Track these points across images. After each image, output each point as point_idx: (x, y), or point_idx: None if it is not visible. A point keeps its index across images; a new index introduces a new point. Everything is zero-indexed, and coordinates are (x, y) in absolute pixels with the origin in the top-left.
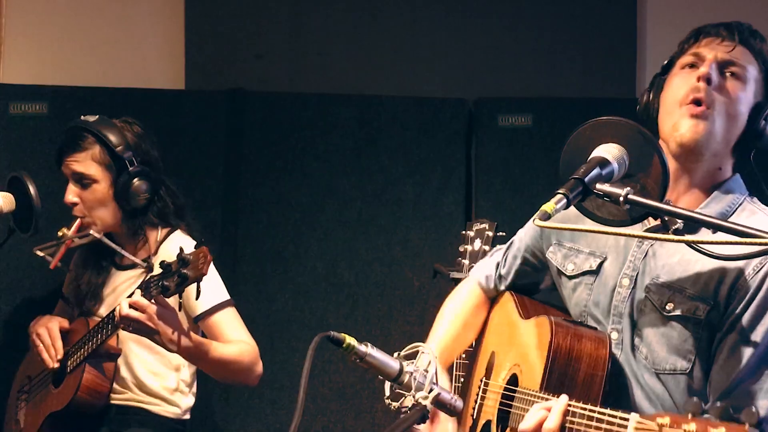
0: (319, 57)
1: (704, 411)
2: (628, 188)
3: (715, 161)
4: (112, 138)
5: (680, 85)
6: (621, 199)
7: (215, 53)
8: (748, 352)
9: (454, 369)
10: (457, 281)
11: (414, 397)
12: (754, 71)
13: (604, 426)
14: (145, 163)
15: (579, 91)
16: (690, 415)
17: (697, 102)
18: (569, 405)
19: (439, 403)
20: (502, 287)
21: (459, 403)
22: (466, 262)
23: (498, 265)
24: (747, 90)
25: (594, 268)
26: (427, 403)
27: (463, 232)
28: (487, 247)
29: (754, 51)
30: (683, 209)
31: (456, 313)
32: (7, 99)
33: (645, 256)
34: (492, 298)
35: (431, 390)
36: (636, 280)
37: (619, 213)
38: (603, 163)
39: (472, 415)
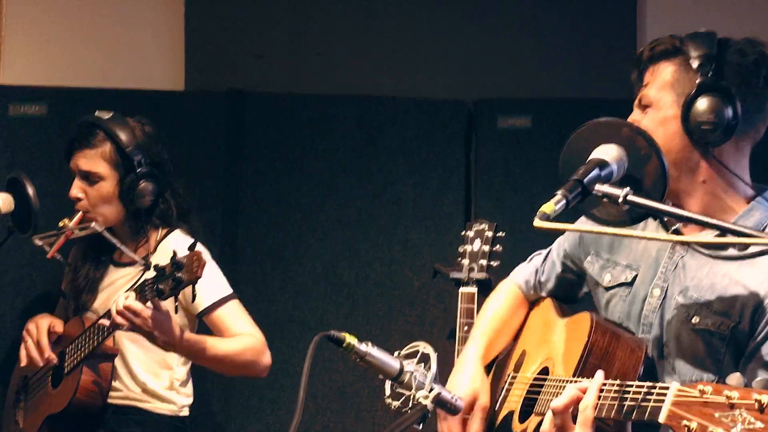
0: (319, 57)
1: (747, 386)
2: (627, 189)
3: (689, 180)
4: (123, 137)
5: None
6: (620, 199)
7: (215, 53)
8: None
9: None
10: (458, 281)
11: (414, 396)
12: (666, 79)
13: (641, 396)
14: (154, 165)
15: (579, 92)
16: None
17: None
18: (604, 383)
19: (440, 403)
20: (543, 293)
21: (460, 403)
22: (466, 262)
23: (537, 271)
24: (663, 110)
25: (629, 280)
26: (427, 402)
27: (463, 232)
28: (486, 248)
29: (667, 53)
30: (682, 210)
31: (496, 312)
32: (7, 100)
33: (675, 267)
34: (531, 302)
35: (432, 389)
36: (666, 291)
37: (619, 214)
38: (602, 164)
39: (494, 408)
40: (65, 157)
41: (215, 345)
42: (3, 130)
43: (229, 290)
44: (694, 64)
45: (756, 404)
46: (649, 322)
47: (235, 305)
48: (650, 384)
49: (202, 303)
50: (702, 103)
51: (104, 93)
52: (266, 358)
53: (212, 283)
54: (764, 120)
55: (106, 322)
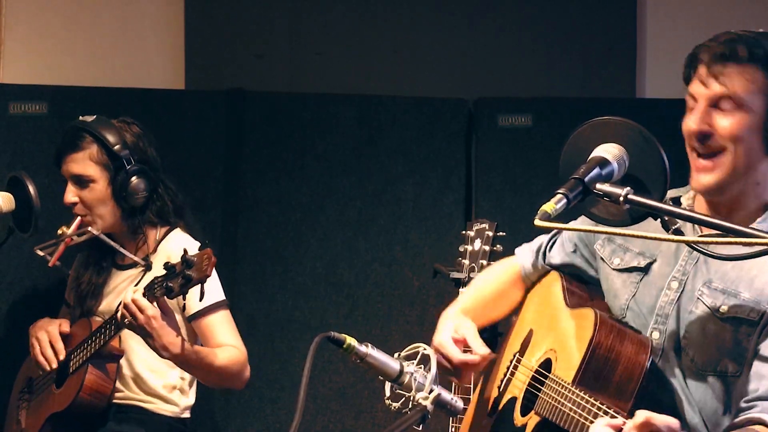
0: (319, 57)
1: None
2: (628, 188)
3: (747, 180)
4: (109, 137)
5: (684, 127)
6: (621, 198)
7: (215, 53)
8: None
9: None
10: (457, 281)
11: (414, 397)
12: (756, 84)
13: None
14: (142, 162)
15: (579, 91)
16: None
17: (701, 154)
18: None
19: (440, 404)
20: (545, 269)
21: (459, 404)
22: (466, 262)
23: (543, 246)
24: (751, 111)
25: (642, 266)
26: (427, 403)
27: (463, 232)
28: (487, 247)
29: (755, 58)
30: (683, 209)
31: (488, 281)
32: (7, 99)
33: (696, 261)
34: (531, 281)
35: (431, 390)
36: (685, 284)
37: (619, 213)
38: (603, 162)
39: (499, 387)
40: (56, 165)
41: (208, 356)
42: (3, 128)
43: (223, 296)
44: None
45: None
46: (665, 314)
47: (225, 314)
48: None
49: (194, 305)
50: None
51: (104, 92)
52: (247, 372)
53: (207, 287)
54: None
55: (118, 314)
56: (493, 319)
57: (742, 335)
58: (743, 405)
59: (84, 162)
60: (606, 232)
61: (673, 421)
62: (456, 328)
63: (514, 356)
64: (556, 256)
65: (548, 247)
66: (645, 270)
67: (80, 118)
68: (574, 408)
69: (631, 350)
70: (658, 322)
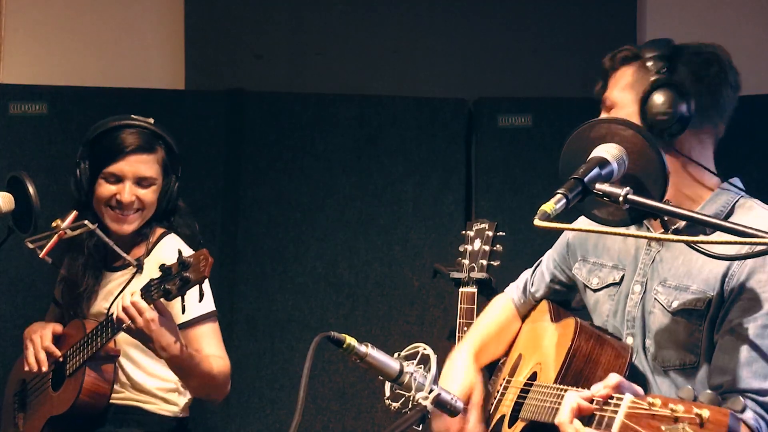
0: (319, 57)
1: (696, 398)
2: (628, 188)
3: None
4: (173, 143)
5: None
6: (621, 198)
7: (215, 53)
8: (737, 349)
9: None
10: (457, 281)
11: (414, 397)
12: (626, 81)
13: (600, 405)
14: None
15: (579, 91)
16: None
17: None
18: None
19: (439, 404)
20: (533, 303)
21: (459, 404)
22: (466, 262)
23: (527, 282)
24: (624, 108)
25: (617, 280)
26: (427, 403)
27: (463, 232)
28: (486, 247)
29: (626, 59)
30: (683, 209)
31: (490, 320)
32: (7, 99)
33: (653, 261)
34: (523, 315)
35: (431, 390)
36: (646, 285)
37: (619, 213)
38: (602, 163)
39: (489, 410)
40: (105, 162)
41: (203, 362)
42: (3, 129)
43: (213, 307)
44: (650, 64)
45: (697, 419)
46: (632, 317)
47: (214, 326)
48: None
49: (185, 315)
50: (657, 98)
51: (104, 92)
52: (229, 387)
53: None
54: (722, 116)
55: (114, 316)
56: (497, 356)
57: (693, 326)
58: None
59: (152, 164)
60: (604, 232)
61: (640, 391)
62: (470, 388)
63: (504, 380)
64: (538, 289)
65: (531, 282)
66: (620, 283)
67: (136, 118)
68: (555, 400)
69: (611, 355)
70: (629, 326)
